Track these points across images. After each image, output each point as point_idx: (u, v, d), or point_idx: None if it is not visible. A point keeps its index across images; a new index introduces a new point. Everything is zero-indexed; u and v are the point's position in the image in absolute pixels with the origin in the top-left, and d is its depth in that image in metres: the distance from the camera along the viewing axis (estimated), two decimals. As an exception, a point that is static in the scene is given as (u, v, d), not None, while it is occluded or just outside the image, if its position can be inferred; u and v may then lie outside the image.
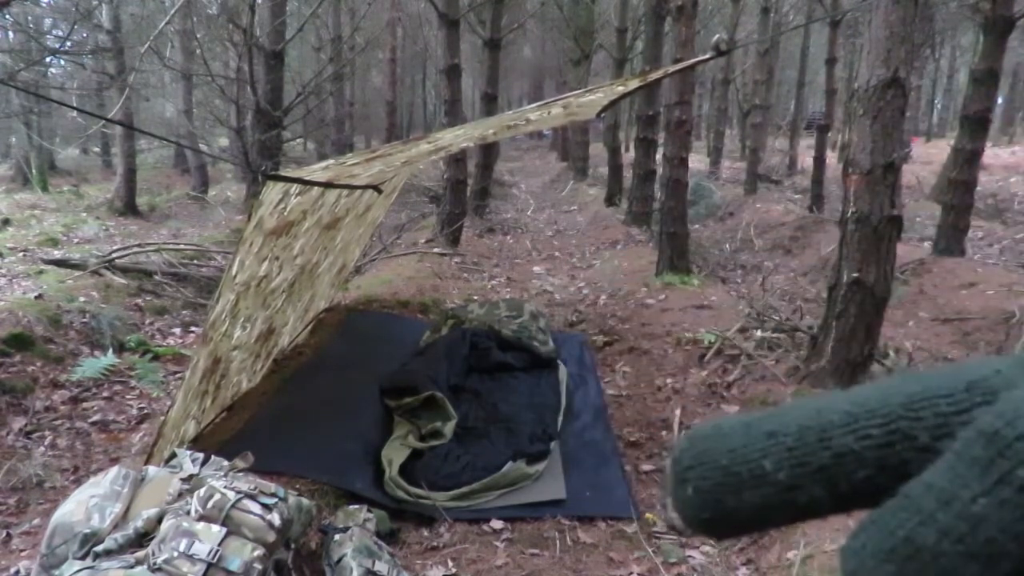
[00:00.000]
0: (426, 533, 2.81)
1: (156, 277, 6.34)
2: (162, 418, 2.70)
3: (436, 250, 8.05)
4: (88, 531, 1.98)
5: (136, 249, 6.86)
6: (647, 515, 2.93)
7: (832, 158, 15.67)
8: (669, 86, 6.79)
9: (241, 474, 2.23)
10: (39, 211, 11.11)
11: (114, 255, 6.57)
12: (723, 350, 4.37)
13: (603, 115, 5.27)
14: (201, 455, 2.35)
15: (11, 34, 11.16)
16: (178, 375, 4.54)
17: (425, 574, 2.52)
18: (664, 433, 3.64)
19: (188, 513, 1.97)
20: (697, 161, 15.29)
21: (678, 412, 3.77)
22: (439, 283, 6.75)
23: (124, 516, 2.05)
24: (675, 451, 0.30)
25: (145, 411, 4.08)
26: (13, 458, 3.31)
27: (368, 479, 3.04)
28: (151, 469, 2.24)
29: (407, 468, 3.14)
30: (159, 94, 16.67)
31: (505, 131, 4.10)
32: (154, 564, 1.84)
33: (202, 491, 2.01)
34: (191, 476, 2.20)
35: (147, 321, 5.56)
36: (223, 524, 1.94)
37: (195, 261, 7.09)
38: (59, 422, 3.82)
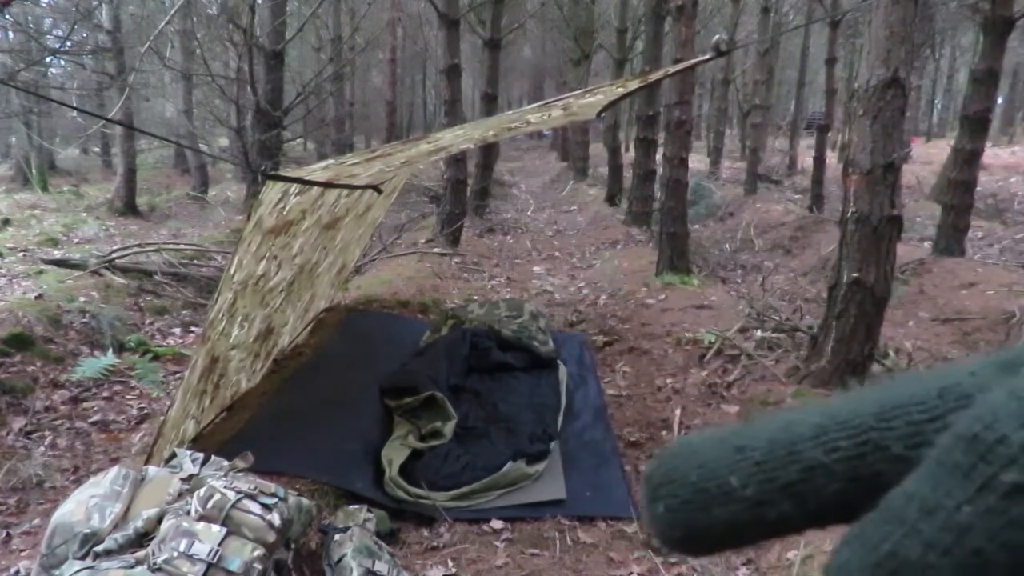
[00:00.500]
0: (426, 533, 2.81)
1: (156, 277, 6.34)
2: (162, 418, 2.70)
3: (436, 250, 8.04)
4: (88, 531, 1.98)
5: (136, 249, 6.86)
6: (647, 515, 2.93)
7: (832, 158, 15.67)
8: (669, 86, 6.79)
9: (241, 474, 2.23)
10: (39, 211, 11.11)
11: (114, 255, 6.57)
12: (723, 350, 4.37)
13: (603, 115, 5.27)
14: (201, 455, 2.35)
15: (11, 34, 11.16)
16: (178, 375, 4.54)
17: (425, 574, 2.52)
18: (664, 433, 3.64)
19: (188, 513, 1.97)
20: (697, 161, 15.29)
21: (678, 412, 3.77)
22: (439, 283, 6.75)
23: (124, 516, 2.05)
24: (647, 469, 0.30)
25: (145, 411, 4.08)
26: (13, 458, 3.31)
27: (368, 479, 3.04)
28: (151, 469, 2.24)
29: (407, 468, 3.14)
30: (159, 94, 16.68)
31: (505, 132, 4.10)
32: (154, 564, 1.84)
33: (202, 491, 2.01)
34: (191, 476, 2.19)
35: (147, 321, 5.56)
36: (223, 524, 1.94)
37: (195, 261, 7.09)
38: (59, 422, 3.82)
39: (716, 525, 0.27)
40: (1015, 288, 5.76)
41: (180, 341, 5.29)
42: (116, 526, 2.02)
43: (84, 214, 10.91)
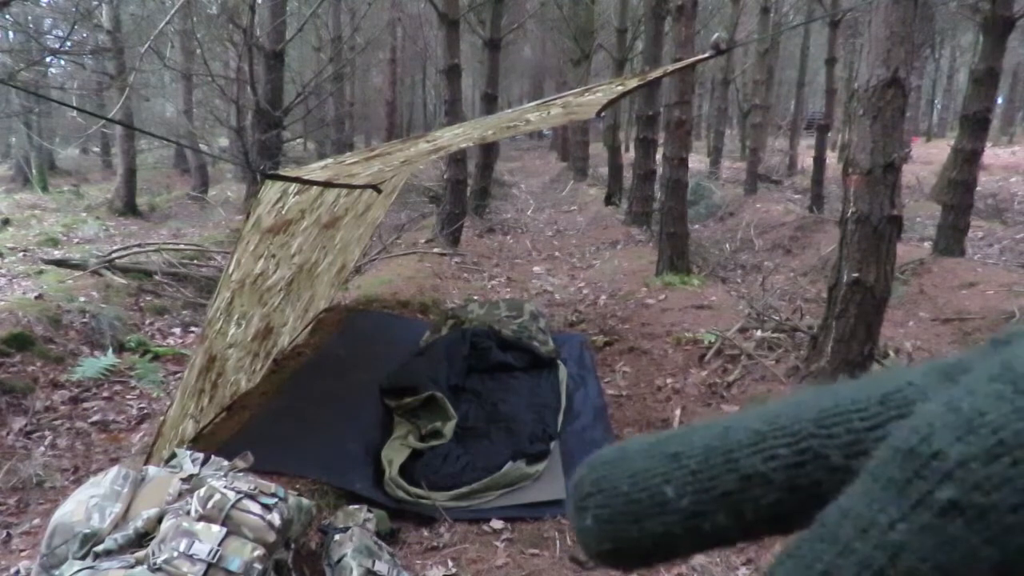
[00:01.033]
0: (426, 533, 2.81)
1: (156, 277, 6.34)
2: (161, 418, 2.70)
3: (436, 250, 8.04)
4: (88, 531, 1.98)
5: (136, 249, 6.86)
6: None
7: (832, 158, 15.68)
8: (669, 86, 6.79)
9: (241, 474, 2.23)
10: (39, 211, 11.11)
11: (114, 255, 6.57)
12: (723, 350, 4.37)
13: (603, 115, 5.27)
14: (201, 455, 2.35)
15: (11, 34, 11.16)
16: (178, 375, 4.54)
17: (425, 574, 2.52)
18: (664, 433, 3.63)
19: (188, 513, 1.97)
20: (697, 161, 15.29)
21: (678, 412, 3.76)
22: (439, 283, 6.75)
23: (124, 516, 2.05)
24: (575, 476, 0.27)
25: (145, 411, 4.08)
26: (13, 458, 3.31)
27: (368, 479, 3.04)
28: (151, 469, 2.24)
29: (407, 468, 3.14)
30: (159, 94, 16.68)
31: (504, 131, 4.10)
32: (154, 564, 1.84)
33: (202, 491, 2.01)
34: (191, 476, 2.19)
35: (147, 321, 5.56)
36: (223, 524, 1.94)
37: (195, 261, 7.09)
38: (59, 422, 3.82)
39: (647, 537, 0.25)
40: (1015, 288, 5.76)
41: (180, 341, 5.29)
42: (116, 526, 2.02)
43: (84, 214, 10.91)
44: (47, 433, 3.69)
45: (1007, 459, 0.19)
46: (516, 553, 2.67)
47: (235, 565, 1.86)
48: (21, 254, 7.37)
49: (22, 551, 2.63)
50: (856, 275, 3.41)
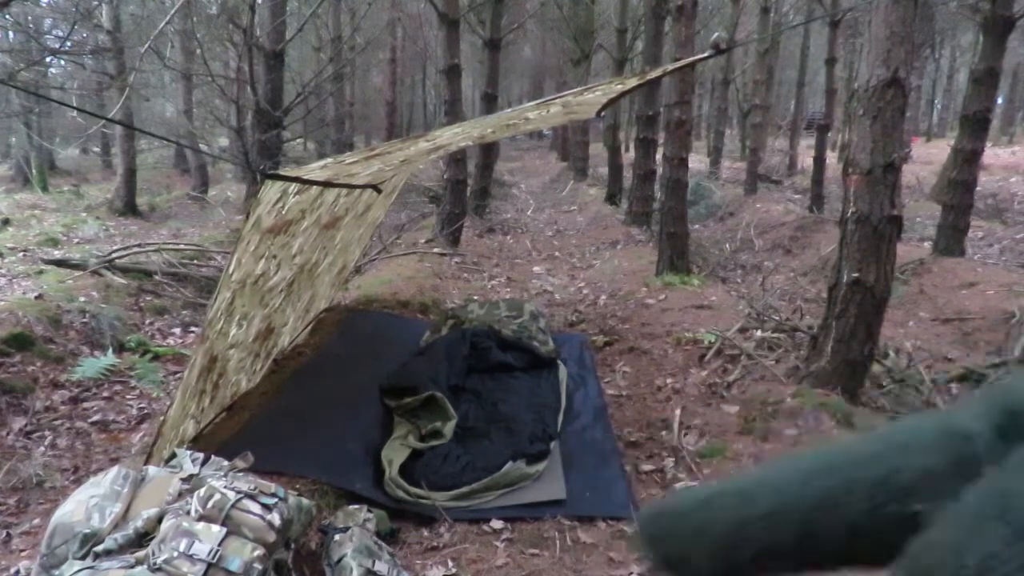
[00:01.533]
0: (426, 533, 2.80)
1: (156, 277, 6.34)
2: (162, 418, 2.70)
3: (436, 250, 8.04)
4: (88, 531, 1.98)
5: (136, 249, 6.86)
6: (647, 515, 2.93)
7: (832, 158, 15.68)
8: (669, 86, 6.79)
9: (241, 474, 2.22)
10: (39, 211, 11.11)
11: (114, 255, 6.57)
12: (723, 350, 4.37)
13: (603, 114, 5.27)
14: (201, 455, 2.35)
15: (11, 34, 11.16)
16: (178, 375, 4.54)
17: (425, 574, 2.52)
18: (664, 433, 3.63)
19: (188, 513, 1.97)
20: (697, 161, 15.29)
21: (678, 412, 3.76)
22: (439, 283, 6.75)
23: (124, 516, 2.05)
24: (644, 515, 0.35)
25: (145, 411, 4.08)
26: (13, 458, 3.31)
27: (368, 479, 3.04)
28: (151, 469, 2.24)
29: (407, 468, 3.14)
30: (159, 94, 16.68)
31: (504, 130, 4.10)
32: (154, 564, 1.84)
33: (202, 491, 2.01)
34: (191, 476, 2.19)
35: (147, 321, 5.56)
36: (223, 524, 1.94)
37: (195, 261, 7.09)
38: (59, 422, 3.82)
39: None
40: (1015, 288, 5.76)
41: (180, 341, 5.29)
42: (116, 526, 2.02)
43: (84, 214, 10.91)
44: (47, 433, 3.69)
45: None
46: (516, 553, 2.67)
47: (235, 565, 1.86)
48: (21, 254, 7.37)
49: (22, 551, 2.63)
50: (856, 275, 3.41)
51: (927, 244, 7.85)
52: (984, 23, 6.79)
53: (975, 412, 0.30)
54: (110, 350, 4.69)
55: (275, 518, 2.02)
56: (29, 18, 11.42)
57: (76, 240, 8.78)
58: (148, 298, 5.90)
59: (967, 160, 6.92)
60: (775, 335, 4.51)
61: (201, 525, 1.92)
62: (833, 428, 3.17)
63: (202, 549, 1.86)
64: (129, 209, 11.17)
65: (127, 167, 11.18)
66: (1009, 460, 0.28)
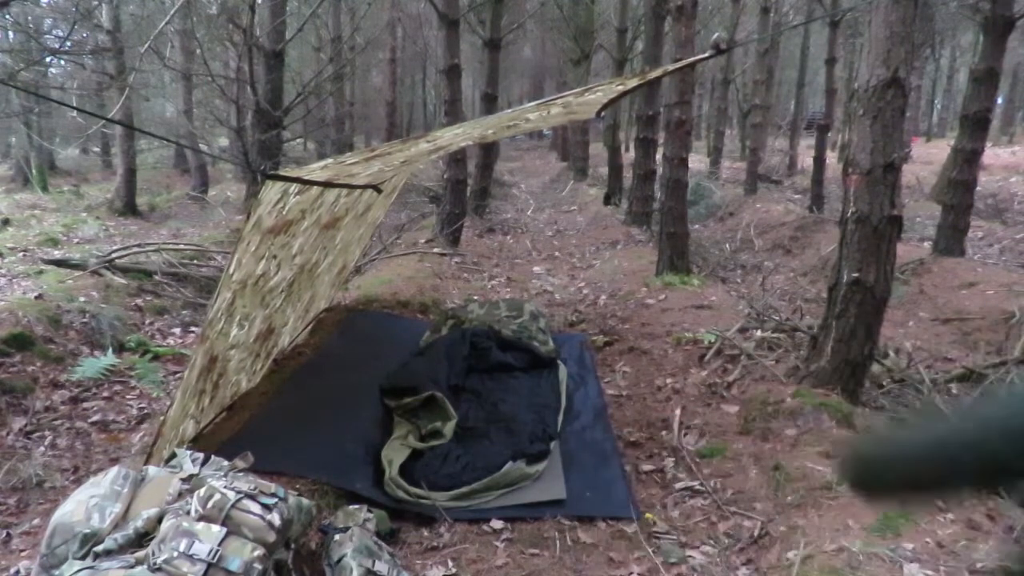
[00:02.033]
0: (426, 533, 2.80)
1: (156, 277, 6.34)
2: (162, 418, 2.70)
3: (436, 250, 8.04)
4: (88, 531, 1.98)
5: (136, 249, 6.86)
6: (647, 515, 2.93)
7: (832, 158, 15.69)
8: (669, 86, 6.79)
9: (241, 474, 2.22)
10: (39, 211, 11.11)
11: (114, 255, 6.56)
12: (723, 350, 4.37)
13: (603, 115, 5.27)
14: (201, 455, 2.35)
15: (11, 34, 11.15)
16: (178, 375, 4.54)
17: (425, 574, 2.52)
18: (664, 433, 3.64)
19: (188, 513, 1.97)
20: (697, 161, 15.29)
21: (678, 412, 3.76)
22: (439, 283, 6.75)
23: (124, 516, 2.05)
24: (852, 449, 0.61)
25: (145, 411, 4.08)
26: (13, 458, 3.31)
27: (368, 479, 3.04)
28: (151, 469, 2.24)
29: (407, 468, 3.14)
30: (159, 94, 16.68)
31: (504, 130, 4.10)
32: (154, 564, 1.84)
33: (202, 491, 2.01)
34: (191, 476, 2.19)
35: (147, 321, 5.56)
36: (223, 524, 1.94)
37: (195, 261, 7.09)
38: (59, 422, 3.82)
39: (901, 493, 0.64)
40: (1015, 288, 5.76)
41: (180, 341, 5.29)
42: (116, 526, 2.02)
43: (84, 214, 10.91)
44: (47, 433, 3.69)
45: None
46: (516, 553, 2.67)
47: (235, 565, 1.86)
48: (21, 254, 7.37)
49: (22, 551, 2.63)
50: (856, 275, 3.41)
51: (927, 244, 7.85)
52: (984, 23, 6.79)
53: None
54: (110, 350, 4.69)
55: (275, 518, 2.02)
56: (29, 18, 11.42)
57: (76, 240, 8.78)
58: (148, 298, 5.90)
59: (967, 160, 6.92)
60: (775, 335, 4.51)
61: (201, 525, 1.92)
62: (833, 428, 3.17)
63: (202, 549, 1.86)
64: (129, 209, 11.17)
65: (127, 167, 11.18)
66: None
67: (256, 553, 1.91)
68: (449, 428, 3.47)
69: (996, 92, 7.38)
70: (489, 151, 11.83)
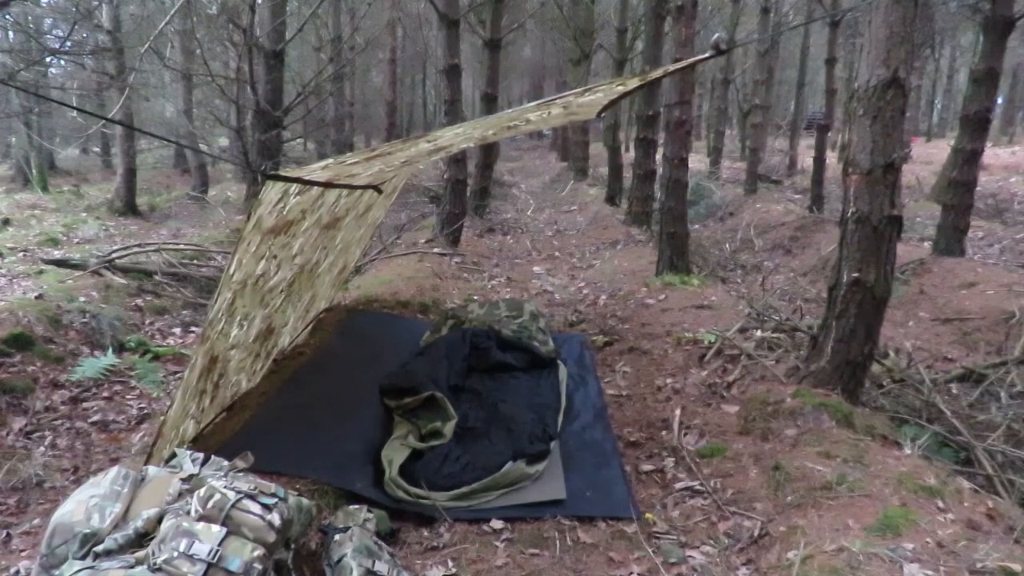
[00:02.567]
0: (426, 533, 2.81)
1: (156, 277, 6.34)
2: (162, 418, 2.70)
3: (436, 250, 8.05)
4: (88, 531, 1.98)
5: (136, 249, 6.86)
6: (647, 515, 2.93)
7: (832, 158, 15.68)
8: (669, 86, 6.79)
9: (241, 474, 2.23)
10: (39, 211, 11.11)
11: (114, 255, 6.57)
12: (723, 350, 4.37)
13: (603, 115, 5.27)
14: (201, 455, 2.35)
15: (11, 34, 11.16)
16: (178, 375, 4.54)
17: (425, 574, 2.52)
18: (664, 433, 3.64)
19: (188, 513, 1.97)
20: (697, 161, 15.30)
21: (678, 412, 3.76)
22: (439, 283, 6.75)
23: (124, 516, 2.05)
24: None
25: (145, 411, 4.08)
26: (13, 458, 3.31)
27: (368, 479, 3.04)
28: (151, 469, 2.24)
29: (407, 468, 3.14)
30: (159, 94, 16.67)
31: (505, 131, 4.10)
32: (154, 564, 1.84)
33: (202, 491, 2.01)
34: (191, 476, 2.19)
35: (147, 321, 5.56)
36: (223, 524, 1.94)
37: (195, 261, 7.09)
38: (59, 422, 3.82)
39: None
40: (1015, 288, 5.76)
41: (180, 341, 5.29)
42: (116, 526, 2.02)
43: (84, 214, 10.91)
44: (47, 433, 3.69)
45: None
46: (516, 553, 2.67)
47: (235, 565, 1.86)
48: (21, 254, 7.37)
49: (22, 551, 2.63)
50: (856, 275, 3.41)
51: (927, 244, 7.85)
52: (984, 23, 6.79)
53: None
54: (110, 350, 4.69)
55: (275, 518, 2.02)
56: (29, 18, 11.42)
57: (76, 240, 8.78)
58: (148, 298, 5.90)
59: (967, 160, 6.92)
60: (775, 335, 4.51)
61: (201, 525, 1.92)
62: (833, 428, 3.17)
63: (202, 549, 1.86)
64: (129, 209, 11.18)
65: (127, 167, 11.18)
66: None
67: (256, 553, 1.92)
68: (449, 428, 3.47)
69: (996, 92, 7.38)
70: (489, 151, 11.83)
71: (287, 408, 3.59)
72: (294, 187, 2.77)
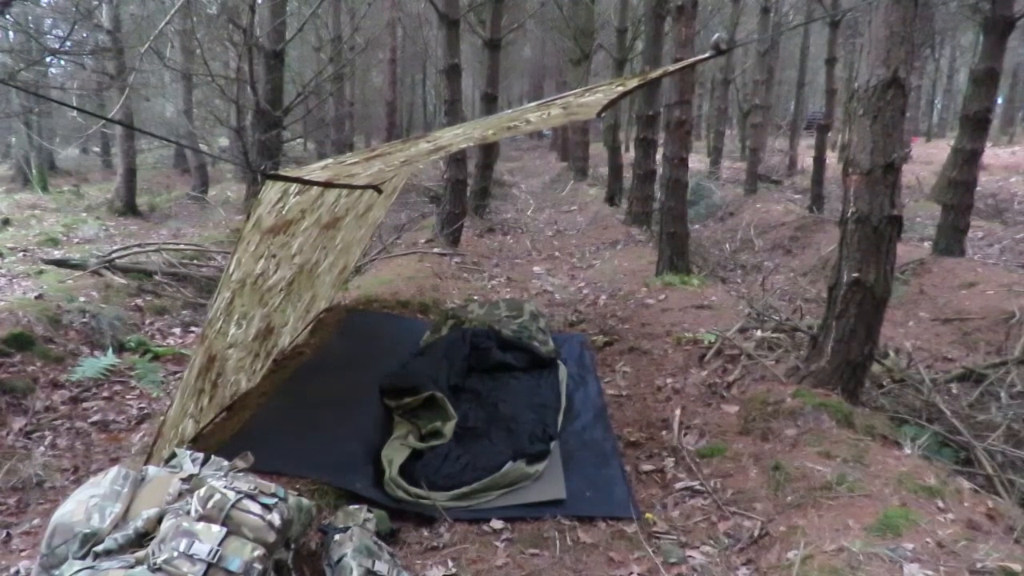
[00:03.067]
0: (426, 533, 2.81)
1: (156, 277, 6.34)
2: (162, 418, 2.70)
3: (436, 250, 8.05)
4: (88, 531, 1.98)
5: (136, 249, 6.86)
6: (647, 515, 2.93)
7: (832, 158, 15.69)
8: (669, 86, 6.79)
9: (241, 474, 2.23)
10: (39, 211, 11.11)
11: (114, 255, 6.57)
12: (723, 350, 4.37)
13: (603, 115, 5.27)
14: (201, 455, 2.35)
15: (11, 34, 11.15)
16: (178, 375, 4.54)
17: (425, 574, 2.52)
18: (664, 433, 3.64)
19: (188, 513, 1.97)
20: (697, 161, 15.30)
21: (678, 412, 3.76)
22: (439, 283, 6.75)
23: (124, 516, 2.05)
24: None
25: (145, 411, 4.08)
26: (13, 458, 3.31)
27: (368, 479, 3.04)
28: (151, 469, 2.24)
29: (407, 468, 3.14)
30: (159, 94, 16.67)
31: (505, 131, 4.10)
32: (154, 564, 1.84)
33: (202, 491, 2.01)
34: (191, 476, 2.19)
35: (147, 321, 5.56)
36: (223, 524, 1.94)
37: (195, 261, 7.09)
38: (59, 422, 3.82)
39: None
40: (1015, 288, 5.76)
41: (180, 341, 5.29)
42: (116, 526, 2.02)
43: (84, 214, 10.91)
44: (47, 433, 3.69)
45: None
46: (516, 553, 2.67)
47: (235, 565, 1.86)
48: (21, 254, 7.37)
49: (22, 551, 2.63)
50: (856, 275, 3.41)
51: (927, 244, 7.85)
52: (984, 23, 6.79)
53: None
54: (110, 350, 4.69)
55: (275, 518, 2.02)
56: (29, 18, 11.43)
57: (76, 240, 8.78)
58: (148, 298, 5.90)
59: (967, 160, 6.92)
60: (775, 335, 4.51)
61: (201, 525, 1.92)
62: (833, 428, 3.17)
63: (202, 549, 1.86)
64: (129, 209, 11.18)
65: (127, 167, 11.18)
66: None
67: (256, 553, 1.91)
68: (449, 428, 3.47)
69: (996, 92, 7.38)
70: (489, 151, 11.83)
71: (287, 408, 3.59)
72: (294, 187, 2.77)
